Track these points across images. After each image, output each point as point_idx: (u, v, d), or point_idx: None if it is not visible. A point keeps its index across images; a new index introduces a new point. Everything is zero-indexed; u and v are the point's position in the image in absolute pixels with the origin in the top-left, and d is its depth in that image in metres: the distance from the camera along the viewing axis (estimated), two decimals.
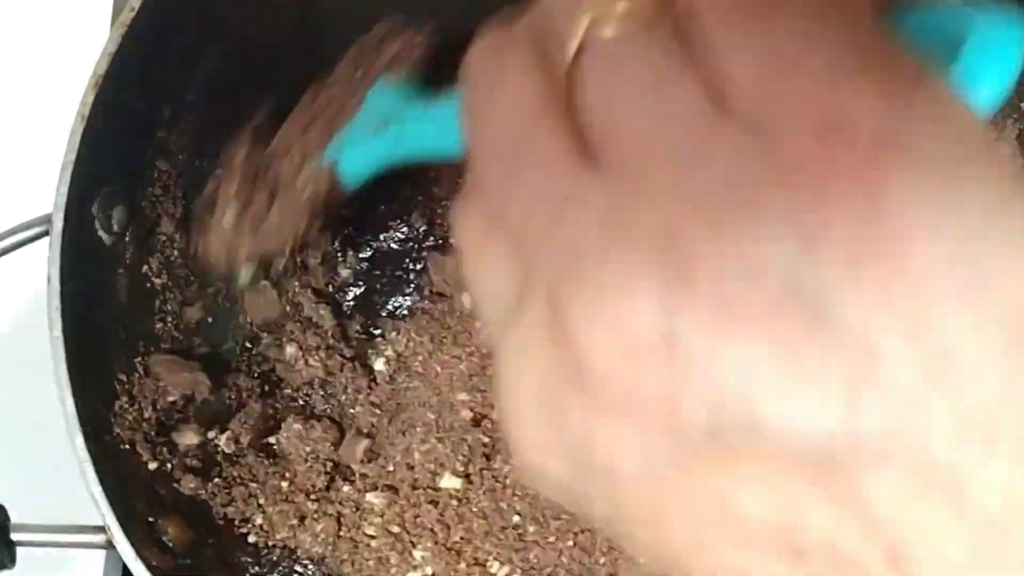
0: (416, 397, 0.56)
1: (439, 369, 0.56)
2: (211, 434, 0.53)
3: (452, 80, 0.24)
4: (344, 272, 0.59)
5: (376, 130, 0.46)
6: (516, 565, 0.52)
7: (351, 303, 0.59)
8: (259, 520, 0.52)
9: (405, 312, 0.58)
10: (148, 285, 0.52)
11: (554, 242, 0.19)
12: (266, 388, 0.56)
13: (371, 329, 0.58)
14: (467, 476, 0.54)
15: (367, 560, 0.53)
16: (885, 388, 0.17)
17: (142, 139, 0.49)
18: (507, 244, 0.21)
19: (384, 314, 0.59)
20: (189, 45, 0.50)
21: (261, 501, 0.53)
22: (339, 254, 0.59)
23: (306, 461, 0.54)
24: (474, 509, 0.53)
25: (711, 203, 0.18)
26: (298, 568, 0.53)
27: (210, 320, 0.55)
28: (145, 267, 0.51)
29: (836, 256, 0.17)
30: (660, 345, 0.18)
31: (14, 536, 0.41)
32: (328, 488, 0.54)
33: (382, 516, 0.53)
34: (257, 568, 0.52)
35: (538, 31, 0.21)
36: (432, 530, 0.53)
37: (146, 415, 0.50)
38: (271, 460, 0.54)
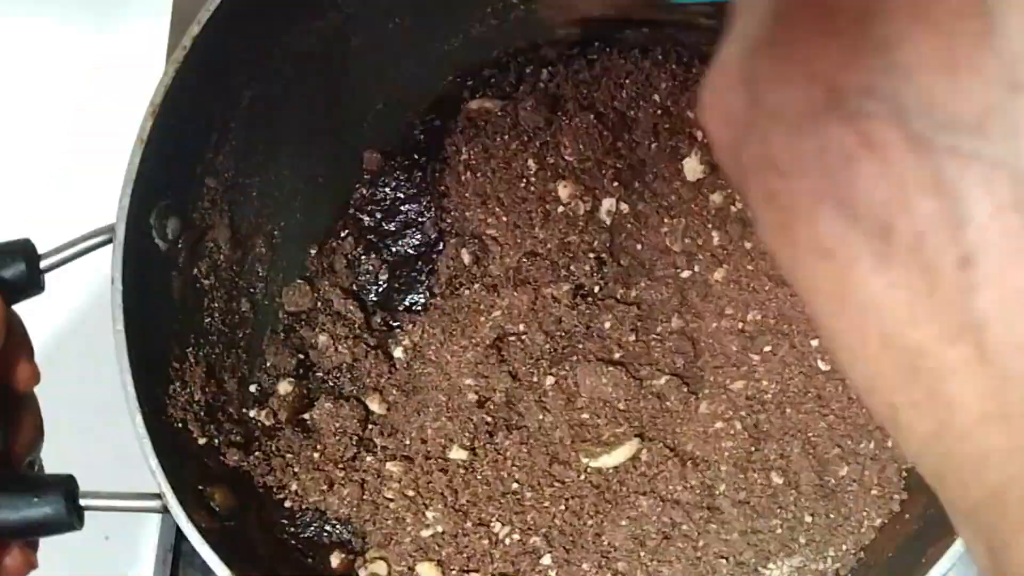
0: (429, 381, 0.58)
1: (449, 357, 0.58)
2: (252, 412, 0.56)
3: None
4: (367, 273, 0.61)
5: None
6: (515, 525, 0.54)
7: (373, 299, 0.61)
8: (294, 486, 0.55)
9: (420, 308, 0.60)
10: (198, 286, 0.54)
11: None
12: (300, 371, 0.59)
13: (391, 322, 0.60)
14: (472, 449, 0.56)
15: (386, 520, 0.55)
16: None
17: (193, 160, 0.52)
18: None
19: (401, 309, 0.61)
20: (233, 79, 0.52)
21: (296, 470, 0.55)
22: (362, 257, 0.61)
23: (335, 435, 0.56)
24: (479, 477, 0.55)
25: None
26: (327, 528, 0.55)
27: (253, 315, 0.58)
28: (195, 270, 0.53)
29: None
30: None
31: (82, 501, 0.42)
32: (354, 458, 0.56)
33: (399, 482, 0.55)
34: (292, 529, 0.55)
35: None
36: (442, 494, 0.55)
37: (196, 397, 0.52)
38: (305, 434, 0.56)
